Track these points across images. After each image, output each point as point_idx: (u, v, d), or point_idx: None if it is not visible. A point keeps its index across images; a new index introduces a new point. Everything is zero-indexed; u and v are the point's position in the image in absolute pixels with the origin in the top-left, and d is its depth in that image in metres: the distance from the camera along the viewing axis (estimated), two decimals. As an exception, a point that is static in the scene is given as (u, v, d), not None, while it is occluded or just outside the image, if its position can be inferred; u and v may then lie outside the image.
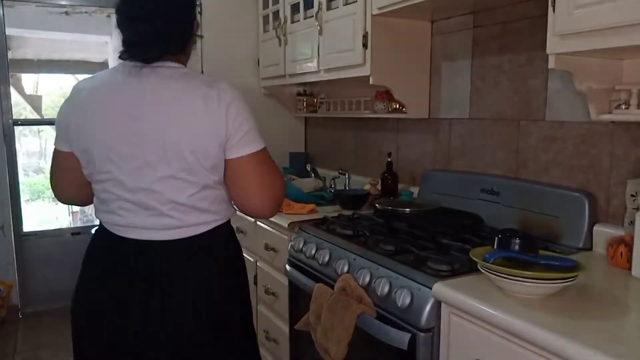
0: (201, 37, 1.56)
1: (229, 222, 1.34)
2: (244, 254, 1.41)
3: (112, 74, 1.23)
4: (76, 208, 5.36)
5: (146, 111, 1.17)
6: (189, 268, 1.23)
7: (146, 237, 1.21)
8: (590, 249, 1.54)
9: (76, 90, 1.25)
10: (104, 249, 1.27)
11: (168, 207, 1.20)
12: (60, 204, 1.52)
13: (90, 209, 5.12)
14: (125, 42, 1.19)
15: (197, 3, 1.45)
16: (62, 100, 1.27)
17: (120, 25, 1.20)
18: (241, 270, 1.36)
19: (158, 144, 1.16)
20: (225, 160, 1.23)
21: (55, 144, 1.30)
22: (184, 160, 1.17)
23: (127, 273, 1.21)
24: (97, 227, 1.32)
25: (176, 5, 1.21)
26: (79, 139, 1.21)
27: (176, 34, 1.22)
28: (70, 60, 5.13)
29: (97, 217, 1.30)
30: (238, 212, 1.37)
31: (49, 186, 1.44)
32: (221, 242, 1.31)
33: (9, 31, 3.37)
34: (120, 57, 1.21)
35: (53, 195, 1.43)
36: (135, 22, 1.16)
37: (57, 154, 1.30)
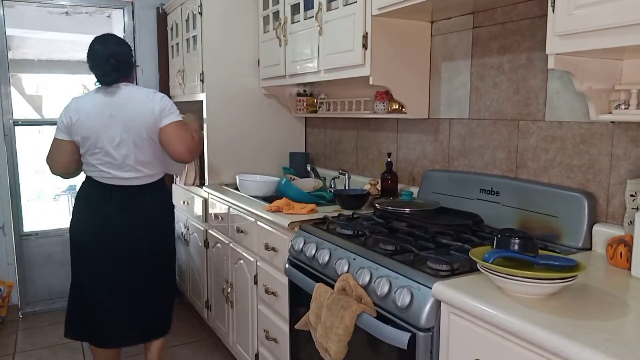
0: (137, 66, 2.72)
1: (163, 176, 2.29)
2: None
3: (95, 94, 2.14)
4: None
5: (116, 111, 2.08)
6: (148, 198, 2.19)
7: (123, 184, 2.14)
8: (590, 249, 1.54)
9: (77, 103, 2.15)
10: (93, 191, 2.17)
11: (137, 164, 2.12)
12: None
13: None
14: (96, 76, 2.11)
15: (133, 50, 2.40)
16: (63, 101, 2.01)
17: (91, 67, 2.11)
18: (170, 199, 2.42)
19: (127, 128, 2.07)
20: (159, 129, 2.10)
21: (57, 136, 2.18)
22: (140, 135, 2.09)
23: (109, 203, 2.14)
24: (84, 181, 2.21)
25: (120, 52, 2.12)
26: (81, 131, 2.10)
27: (123, 68, 2.13)
28: (71, 60, 5.14)
29: (87, 174, 2.19)
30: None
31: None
32: (163, 184, 2.30)
33: (9, 31, 3.37)
34: (95, 84, 2.15)
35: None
36: (100, 65, 2.08)
37: (59, 142, 2.18)
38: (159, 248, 2.26)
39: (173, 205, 2.51)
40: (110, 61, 2.07)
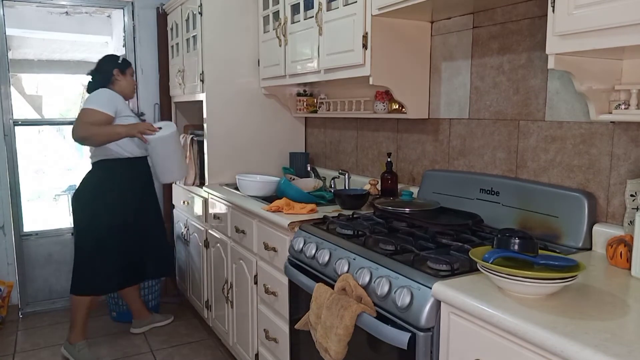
0: (115, 75, 2.82)
1: (106, 160, 2.73)
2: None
3: None
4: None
5: None
6: (88, 173, 2.82)
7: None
8: (590, 248, 1.54)
9: None
10: None
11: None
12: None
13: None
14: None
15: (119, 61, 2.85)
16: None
17: None
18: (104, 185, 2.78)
19: None
20: None
21: None
22: None
23: None
24: None
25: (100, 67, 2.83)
26: None
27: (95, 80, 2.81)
28: (71, 60, 5.13)
29: None
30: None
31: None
32: (101, 165, 2.76)
33: (9, 31, 3.37)
34: None
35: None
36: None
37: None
38: (78, 215, 2.78)
39: (106, 190, 2.74)
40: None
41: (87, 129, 2.58)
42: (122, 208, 2.77)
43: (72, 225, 2.85)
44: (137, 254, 2.88)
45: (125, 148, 2.73)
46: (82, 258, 2.77)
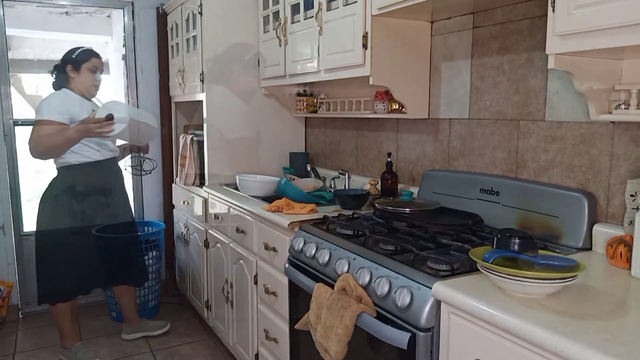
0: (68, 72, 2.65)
1: (68, 166, 2.58)
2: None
3: None
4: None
5: None
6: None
7: None
8: (590, 248, 1.54)
9: None
10: None
11: None
12: None
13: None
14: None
15: (74, 56, 2.61)
16: None
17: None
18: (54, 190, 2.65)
19: None
20: None
21: None
22: None
23: None
24: None
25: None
26: None
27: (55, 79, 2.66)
28: (71, 60, 5.11)
29: None
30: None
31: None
32: (63, 170, 2.61)
33: (9, 31, 3.37)
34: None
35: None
36: None
37: None
38: (37, 221, 2.65)
39: (66, 197, 2.63)
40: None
41: (40, 143, 2.38)
42: (82, 214, 2.64)
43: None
44: (102, 258, 2.76)
45: (83, 153, 2.58)
46: (40, 266, 2.66)
